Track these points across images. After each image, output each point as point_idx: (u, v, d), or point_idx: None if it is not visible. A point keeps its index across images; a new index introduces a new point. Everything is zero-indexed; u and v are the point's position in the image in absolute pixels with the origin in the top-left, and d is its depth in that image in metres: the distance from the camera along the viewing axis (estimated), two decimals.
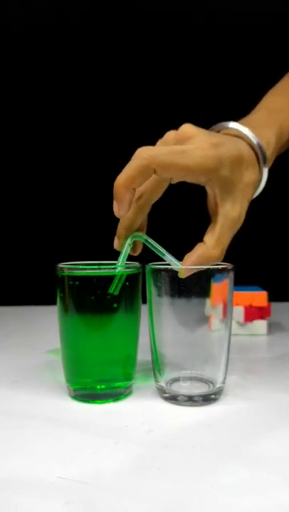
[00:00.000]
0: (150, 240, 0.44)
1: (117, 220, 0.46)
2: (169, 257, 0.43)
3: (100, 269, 0.43)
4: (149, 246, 0.44)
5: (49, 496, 0.28)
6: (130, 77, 0.97)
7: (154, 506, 0.28)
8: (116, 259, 0.44)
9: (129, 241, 0.44)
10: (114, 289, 0.42)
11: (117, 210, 0.41)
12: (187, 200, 0.77)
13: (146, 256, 0.45)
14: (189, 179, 0.42)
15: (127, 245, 0.44)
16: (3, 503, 0.28)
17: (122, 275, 0.43)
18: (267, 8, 0.95)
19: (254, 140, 0.45)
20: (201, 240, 0.43)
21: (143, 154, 0.39)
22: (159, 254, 0.44)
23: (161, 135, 0.46)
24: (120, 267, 0.43)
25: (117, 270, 0.43)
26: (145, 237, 0.44)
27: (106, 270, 0.43)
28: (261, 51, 0.95)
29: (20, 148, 1.00)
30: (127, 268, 0.44)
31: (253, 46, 0.95)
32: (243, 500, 0.28)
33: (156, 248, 0.44)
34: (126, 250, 0.44)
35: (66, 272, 0.44)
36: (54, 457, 0.33)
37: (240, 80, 0.95)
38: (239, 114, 0.51)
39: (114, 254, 0.45)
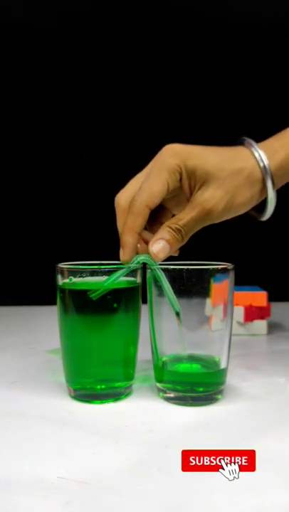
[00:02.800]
0: (155, 267, 0.42)
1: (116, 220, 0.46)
2: (170, 293, 0.42)
3: (100, 269, 0.43)
4: (155, 274, 0.42)
5: (49, 496, 0.28)
6: (130, 79, 0.97)
7: (154, 506, 0.28)
8: (115, 259, 0.44)
9: (135, 263, 0.43)
10: (95, 295, 0.42)
11: (122, 255, 0.43)
12: None
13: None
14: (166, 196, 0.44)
15: (124, 270, 0.43)
16: (3, 503, 0.28)
17: (103, 288, 0.42)
18: (266, 16, 0.95)
19: (252, 144, 0.45)
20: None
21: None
22: (161, 284, 0.42)
23: (160, 136, 0.46)
24: (110, 282, 0.42)
25: (108, 281, 0.42)
26: (153, 262, 0.43)
27: (107, 270, 0.43)
28: (260, 58, 0.95)
29: (20, 149, 1.00)
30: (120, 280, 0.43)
31: (253, 53, 0.95)
32: (243, 500, 0.28)
33: (161, 279, 0.42)
34: (122, 272, 0.43)
35: (67, 286, 0.44)
36: (54, 457, 0.33)
37: (240, 87, 0.95)
38: (238, 119, 0.51)
39: (114, 254, 0.45)
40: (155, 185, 0.43)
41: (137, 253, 0.44)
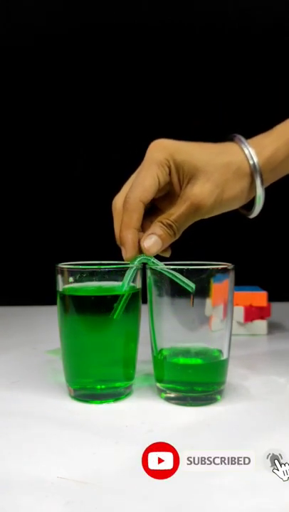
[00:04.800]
0: (156, 262, 0.43)
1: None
2: (179, 276, 0.41)
3: (100, 269, 0.43)
4: (158, 269, 0.42)
5: (49, 496, 0.28)
6: (130, 79, 0.97)
7: (154, 506, 0.28)
8: (115, 259, 0.44)
9: (136, 263, 0.43)
10: (116, 315, 0.42)
11: (124, 253, 0.43)
12: None
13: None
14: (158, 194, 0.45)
15: (132, 270, 0.43)
16: (3, 503, 0.28)
17: (123, 301, 0.42)
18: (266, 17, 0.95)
19: (241, 140, 0.45)
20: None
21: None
22: (168, 275, 0.42)
23: (160, 136, 0.46)
24: (123, 292, 0.42)
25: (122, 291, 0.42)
26: (152, 259, 0.43)
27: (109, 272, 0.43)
28: (260, 58, 0.95)
29: (20, 149, 1.00)
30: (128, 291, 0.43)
31: (253, 53, 0.95)
32: (243, 500, 0.28)
33: (165, 270, 0.42)
34: (131, 274, 0.43)
35: (67, 292, 0.44)
36: (54, 457, 0.33)
37: (240, 87, 0.95)
38: (237, 121, 0.51)
39: (114, 254, 0.45)
40: (146, 180, 0.43)
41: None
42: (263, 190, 0.46)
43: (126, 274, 0.42)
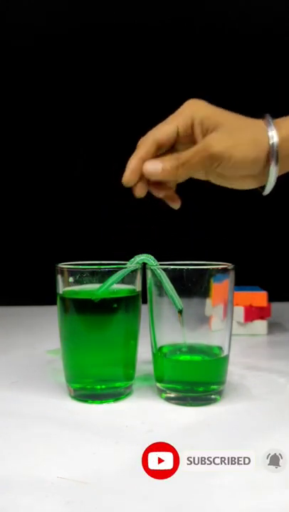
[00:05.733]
0: (155, 263, 0.43)
1: (116, 219, 0.46)
2: (172, 292, 0.42)
3: (100, 269, 0.43)
4: (155, 273, 0.42)
5: (49, 496, 0.28)
6: (131, 79, 0.97)
7: (154, 506, 0.28)
8: (115, 259, 0.44)
9: (135, 263, 0.43)
10: (96, 297, 0.42)
11: (124, 176, 0.46)
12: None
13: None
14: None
15: (119, 274, 0.42)
16: (3, 503, 0.28)
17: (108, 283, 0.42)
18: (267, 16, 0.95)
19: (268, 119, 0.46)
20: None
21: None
22: (164, 286, 0.42)
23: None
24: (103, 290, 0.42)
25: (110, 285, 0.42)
26: (152, 260, 0.43)
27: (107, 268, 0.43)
28: (260, 58, 0.95)
29: (20, 149, 1.00)
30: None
31: (253, 53, 0.95)
32: (243, 500, 0.28)
33: (162, 280, 0.42)
34: (123, 272, 0.43)
35: (67, 295, 0.44)
36: (54, 457, 0.33)
37: (240, 87, 0.95)
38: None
39: (114, 254, 0.45)
40: (166, 125, 0.47)
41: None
42: (276, 169, 0.45)
43: (117, 272, 0.42)
